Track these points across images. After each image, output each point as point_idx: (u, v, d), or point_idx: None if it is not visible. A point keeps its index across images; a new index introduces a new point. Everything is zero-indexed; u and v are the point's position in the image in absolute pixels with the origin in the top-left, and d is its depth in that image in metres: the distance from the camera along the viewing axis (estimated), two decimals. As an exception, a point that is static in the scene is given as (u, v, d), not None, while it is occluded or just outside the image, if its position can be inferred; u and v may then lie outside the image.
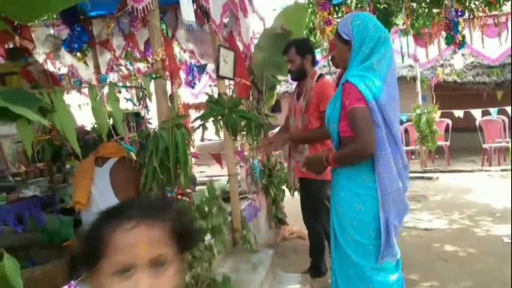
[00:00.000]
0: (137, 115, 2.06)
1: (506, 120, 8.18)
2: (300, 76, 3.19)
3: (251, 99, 4.22)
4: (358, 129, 1.92)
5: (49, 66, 4.98)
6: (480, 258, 3.63)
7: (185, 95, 8.42)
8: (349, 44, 2.00)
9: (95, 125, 3.42)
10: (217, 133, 2.98)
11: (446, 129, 8.66)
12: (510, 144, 7.68)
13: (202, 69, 4.46)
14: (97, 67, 4.70)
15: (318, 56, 6.87)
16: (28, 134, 1.44)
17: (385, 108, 1.94)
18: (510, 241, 3.87)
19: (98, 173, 2.27)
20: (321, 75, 3.20)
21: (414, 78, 8.92)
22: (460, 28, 5.63)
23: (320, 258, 3.35)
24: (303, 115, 3.14)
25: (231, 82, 3.37)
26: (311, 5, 5.39)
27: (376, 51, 1.95)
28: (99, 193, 2.23)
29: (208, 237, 2.23)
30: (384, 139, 1.95)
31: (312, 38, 6.63)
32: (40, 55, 4.68)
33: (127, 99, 2.02)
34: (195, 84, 4.67)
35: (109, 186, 2.21)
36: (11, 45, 3.83)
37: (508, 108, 8.13)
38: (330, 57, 3.62)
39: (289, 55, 3.17)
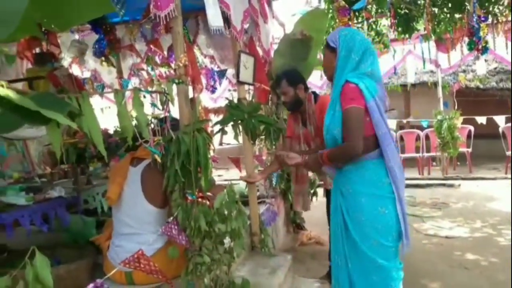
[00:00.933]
0: (162, 120, 2.12)
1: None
2: (296, 106, 3.16)
3: (270, 104, 4.25)
4: (350, 129, 1.99)
5: (74, 71, 5.12)
6: (502, 268, 3.55)
7: (204, 99, 8.52)
8: (335, 52, 2.11)
9: (118, 129, 3.51)
10: (236, 137, 3.02)
11: (468, 136, 8.52)
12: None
13: (222, 74, 4.52)
14: (119, 72, 4.81)
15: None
16: (57, 137, 1.50)
17: (380, 107, 2.04)
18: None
19: (131, 172, 2.34)
20: (315, 95, 3.18)
21: (435, 84, 8.80)
22: (482, 33, 5.55)
23: None
24: (315, 139, 3.14)
25: (251, 87, 3.41)
26: (331, 11, 5.40)
27: (365, 59, 2.06)
28: (129, 191, 2.29)
29: (227, 240, 2.25)
30: (387, 134, 2.06)
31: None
32: (65, 59, 4.82)
33: (152, 104, 2.07)
34: (215, 89, 4.74)
35: (139, 186, 2.27)
36: (38, 50, 3.96)
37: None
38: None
39: (281, 87, 3.14)
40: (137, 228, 2.25)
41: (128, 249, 2.10)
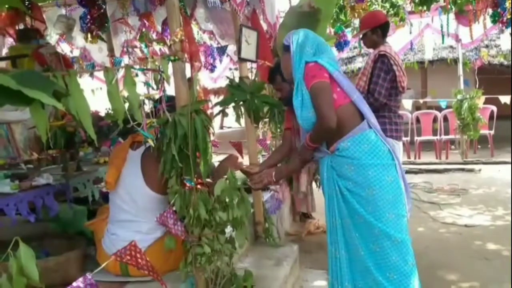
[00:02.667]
0: (157, 100, 2.10)
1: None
2: (291, 102, 3.13)
3: (275, 83, 4.21)
4: (318, 104, 2.11)
5: (62, 49, 5.09)
6: (526, 258, 3.56)
7: (204, 79, 8.48)
8: (289, 51, 2.26)
9: (110, 111, 3.49)
10: (237, 120, 3.00)
11: (491, 117, 8.46)
12: None
13: (222, 50, 4.48)
14: (111, 50, 4.77)
15: (349, 36, 6.81)
16: (42, 119, 1.48)
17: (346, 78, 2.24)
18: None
19: (131, 156, 2.36)
20: None
21: (455, 61, 8.74)
22: (508, 4, 5.45)
23: None
24: None
25: (254, 64, 3.37)
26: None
27: (320, 52, 2.23)
28: (128, 175, 2.31)
29: (229, 230, 2.26)
30: (360, 97, 2.24)
31: (342, 17, 6.57)
32: (52, 36, 4.78)
33: (145, 83, 2.05)
34: (215, 67, 4.71)
35: (139, 171, 2.29)
36: (21, 26, 3.93)
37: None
38: (361, 36, 3.57)
39: (276, 83, 3.02)
40: (135, 214, 2.26)
41: (124, 238, 2.12)
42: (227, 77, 3.07)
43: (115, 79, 1.77)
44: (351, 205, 2.16)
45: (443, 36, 7.71)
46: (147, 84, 1.97)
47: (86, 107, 1.68)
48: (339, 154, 2.19)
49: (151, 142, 1.95)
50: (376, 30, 3.43)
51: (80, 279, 1.48)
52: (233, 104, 2.92)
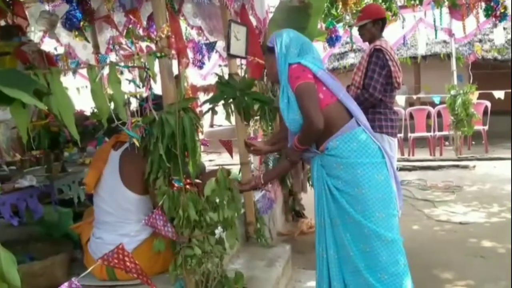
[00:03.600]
0: (143, 98, 2.09)
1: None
2: None
3: (265, 80, 4.20)
4: (304, 106, 2.12)
5: (45, 46, 5.04)
6: (522, 255, 3.59)
7: (193, 76, 8.44)
8: (274, 52, 2.28)
9: (95, 110, 3.46)
10: (227, 118, 2.99)
11: (485, 112, 8.52)
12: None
13: (211, 47, 4.46)
14: (96, 47, 4.73)
15: (340, 31, 6.81)
16: (23, 119, 1.46)
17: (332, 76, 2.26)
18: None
19: (112, 156, 2.35)
20: None
21: (448, 55, 8.76)
22: (501, -3, 5.50)
23: None
24: None
25: (243, 61, 3.36)
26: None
27: (304, 51, 2.25)
28: (109, 177, 2.30)
29: (219, 231, 2.25)
30: (347, 95, 2.25)
31: (333, 11, 6.57)
32: (35, 33, 4.73)
33: (130, 81, 2.03)
34: (203, 64, 4.68)
35: (117, 172, 2.27)
36: (2, 23, 3.88)
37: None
38: (358, 28, 3.56)
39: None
40: (118, 216, 2.25)
41: (109, 242, 2.10)
42: (216, 74, 3.06)
43: (99, 77, 1.75)
44: (341, 205, 2.16)
45: (436, 30, 7.75)
46: (132, 81, 1.95)
47: (69, 106, 1.66)
48: (328, 153, 2.19)
49: (136, 142, 1.93)
50: (377, 22, 3.43)
51: (66, 283, 1.47)
52: (222, 101, 2.91)
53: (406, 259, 2.19)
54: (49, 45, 5.31)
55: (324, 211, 2.25)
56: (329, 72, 2.29)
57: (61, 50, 5.73)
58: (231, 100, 2.91)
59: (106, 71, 2.21)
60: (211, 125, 11.49)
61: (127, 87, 2.11)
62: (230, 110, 2.95)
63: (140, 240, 2.24)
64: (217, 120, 11.02)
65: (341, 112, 2.20)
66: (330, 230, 2.23)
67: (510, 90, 8.27)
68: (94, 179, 2.30)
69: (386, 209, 2.14)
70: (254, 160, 4.36)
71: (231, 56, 3.10)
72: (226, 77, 3.01)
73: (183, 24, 4.80)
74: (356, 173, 2.13)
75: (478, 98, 8.13)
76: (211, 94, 3.43)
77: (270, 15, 4.22)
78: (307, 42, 2.33)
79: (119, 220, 2.25)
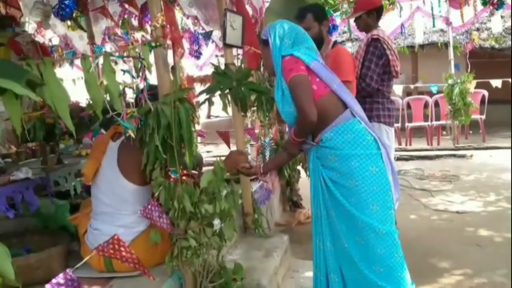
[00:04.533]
0: (138, 89, 2.06)
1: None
2: (318, 44, 3.14)
3: (262, 69, 4.18)
4: (297, 99, 2.11)
5: (40, 37, 4.99)
6: (519, 244, 3.60)
7: (189, 67, 8.39)
8: (269, 44, 2.26)
9: (91, 101, 3.44)
10: (224, 108, 2.97)
11: (482, 101, 8.51)
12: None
13: (207, 36, 4.42)
14: (91, 37, 4.69)
15: (338, 20, 6.77)
16: (16, 110, 1.44)
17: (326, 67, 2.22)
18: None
19: (110, 147, 2.33)
20: (335, 42, 3.15)
21: (446, 44, 8.73)
22: (499, -15, 5.47)
23: None
24: None
25: (240, 51, 3.33)
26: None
27: (298, 41, 2.23)
28: (107, 167, 2.28)
29: (216, 222, 2.24)
30: (341, 86, 2.20)
31: (330, 0, 6.52)
32: (29, 23, 4.68)
33: (124, 71, 2.00)
34: (200, 54, 4.65)
35: (115, 163, 2.25)
36: (-4, 14, 3.84)
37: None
38: (354, 19, 3.54)
39: (306, 22, 3.12)
40: (116, 208, 2.23)
41: (106, 233, 2.09)
42: (212, 64, 3.03)
43: (93, 67, 1.72)
44: (335, 197, 2.15)
45: (433, 19, 7.71)
46: (126, 72, 1.93)
47: (63, 97, 1.64)
48: (323, 145, 2.18)
49: (131, 133, 1.91)
50: (372, 13, 3.41)
51: (61, 275, 1.46)
52: (219, 92, 2.89)
53: (401, 251, 2.17)
54: (47, 36, 5.28)
55: (320, 202, 2.24)
56: (323, 62, 2.26)
57: (56, 41, 5.68)
58: (227, 90, 2.89)
59: (101, 61, 2.19)
60: (208, 116, 11.44)
61: (122, 77, 2.09)
62: (227, 101, 2.93)
63: (137, 232, 2.24)
64: (214, 111, 10.98)
65: (335, 103, 2.17)
66: (326, 221, 2.22)
67: (507, 79, 8.25)
68: (92, 170, 2.29)
69: (380, 201, 2.11)
70: (251, 151, 4.36)
71: (227, 46, 3.07)
72: (223, 67, 2.99)
73: (178, 14, 4.76)
74: (350, 164, 2.11)
75: (476, 87, 8.12)
76: (208, 85, 3.40)
77: (266, 4, 4.19)
78: (300, 31, 2.31)
79: (116, 211, 2.24)
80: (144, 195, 2.27)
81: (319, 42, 3.12)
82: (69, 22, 4.03)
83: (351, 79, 3.07)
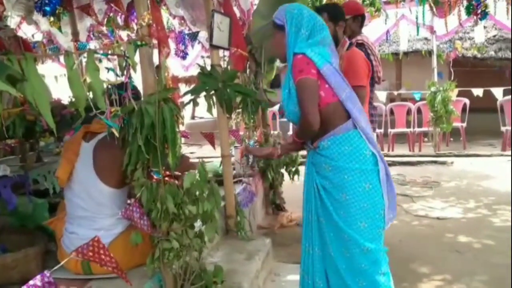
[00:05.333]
0: (120, 87, 2.03)
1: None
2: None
3: (248, 72, 4.17)
4: (301, 102, 2.07)
5: (22, 32, 4.90)
6: (498, 250, 3.65)
7: (175, 67, 8.35)
8: (283, 30, 2.17)
9: (73, 99, 3.38)
10: (209, 110, 2.95)
11: (463, 109, 8.64)
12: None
13: (193, 37, 4.39)
14: (75, 34, 4.62)
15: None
16: (-5, 106, 1.40)
17: (338, 70, 2.15)
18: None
19: (84, 148, 2.26)
20: (351, 44, 3.14)
21: (430, 52, 8.85)
22: (482, -4, 5.56)
23: None
24: None
25: (226, 52, 3.32)
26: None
27: (315, 33, 2.13)
28: (82, 169, 2.22)
29: (198, 224, 2.22)
30: (351, 94, 2.14)
31: (317, 4, 6.55)
32: (12, 18, 4.59)
33: (108, 69, 1.97)
34: (186, 54, 4.62)
35: (91, 164, 2.20)
36: (-23, 8, 3.75)
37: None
38: None
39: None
40: (92, 211, 2.18)
41: (83, 236, 2.04)
42: (198, 65, 3.01)
43: (76, 64, 1.69)
44: (326, 205, 2.13)
45: (418, 27, 7.81)
46: (111, 70, 1.90)
47: (44, 94, 1.61)
48: (319, 152, 2.15)
49: (115, 132, 1.88)
50: (357, 18, 3.42)
51: (38, 276, 1.42)
52: (204, 93, 2.87)
53: (387, 268, 2.15)
54: (27, 32, 5.18)
55: (312, 207, 2.21)
56: (336, 65, 2.17)
57: (38, 37, 5.58)
58: (213, 91, 2.87)
59: (85, 58, 2.15)
60: (193, 117, 11.38)
61: (107, 76, 2.06)
62: (212, 102, 2.91)
63: (115, 234, 2.19)
64: (199, 112, 10.93)
65: (340, 113, 2.11)
66: (316, 226, 2.20)
67: (488, 88, 8.40)
68: (66, 173, 2.22)
69: (369, 219, 2.08)
70: (236, 153, 4.34)
71: (213, 47, 3.05)
72: (209, 68, 2.97)
73: (165, 14, 4.72)
74: (343, 177, 2.08)
75: (457, 95, 8.24)
76: (193, 86, 3.38)
77: (254, 7, 4.18)
78: (318, 21, 2.17)
79: (93, 215, 2.19)
80: (120, 197, 2.24)
81: (334, 42, 3.13)
82: (51, 18, 3.95)
83: (365, 84, 3.04)
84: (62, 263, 1.63)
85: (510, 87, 8.27)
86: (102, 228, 2.09)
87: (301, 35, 2.12)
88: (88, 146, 2.25)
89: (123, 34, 5.31)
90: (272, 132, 4.97)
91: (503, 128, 8.13)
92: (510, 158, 7.35)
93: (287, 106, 2.17)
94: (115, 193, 2.21)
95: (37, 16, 4.37)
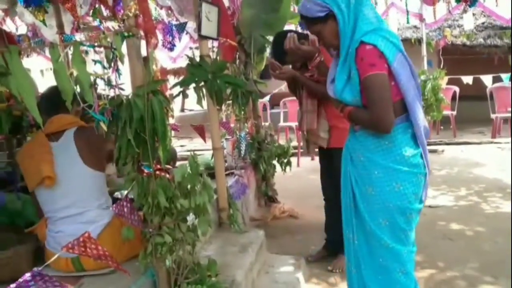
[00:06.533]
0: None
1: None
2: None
3: (237, 62, 4.14)
4: (375, 102, 1.87)
5: (5, 26, 4.81)
6: (489, 237, 3.69)
7: (163, 59, 8.28)
8: (328, 19, 1.96)
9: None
10: (199, 102, 2.92)
11: (453, 97, 8.69)
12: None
13: (181, 27, 4.35)
14: (60, 26, 4.54)
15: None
16: (-22, 101, 1.37)
17: (409, 61, 1.95)
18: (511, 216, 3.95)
19: (57, 148, 2.23)
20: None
21: (419, 41, 8.86)
22: (471, -17, 5.57)
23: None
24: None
25: (215, 43, 3.29)
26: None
27: (380, 19, 1.96)
28: (66, 168, 2.19)
29: (191, 217, 2.20)
30: (415, 98, 1.95)
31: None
32: (-6, 11, 4.50)
33: (95, 61, 1.93)
34: (174, 45, 4.57)
35: (77, 158, 2.19)
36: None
37: (521, 74, 8.16)
38: None
39: (287, 61, 3.12)
40: (78, 206, 2.18)
41: (70, 233, 2.02)
42: (187, 56, 2.98)
43: (62, 57, 1.66)
44: (355, 193, 2.06)
45: (408, 15, 7.81)
46: (98, 62, 1.86)
47: (30, 87, 1.58)
48: (358, 138, 2.05)
49: (103, 126, 1.85)
50: None
51: (28, 274, 1.40)
52: (193, 84, 2.84)
53: (412, 269, 2.07)
54: (14, 25, 5.10)
55: (350, 191, 2.09)
56: (405, 54, 1.95)
57: (23, 29, 5.50)
58: (202, 83, 2.84)
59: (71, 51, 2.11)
60: (182, 109, 11.32)
61: (94, 68, 2.02)
62: (201, 94, 2.88)
63: (103, 225, 2.20)
64: (188, 104, 10.87)
65: (397, 110, 1.93)
66: (354, 213, 2.11)
67: (478, 76, 8.45)
68: (53, 171, 2.16)
69: (392, 219, 1.98)
70: (227, 145, 4.32)
71: (202, 37, 3.02)
72: (197, 59, 2.94)
73: (152, 4, 4.66)
74: (372, 172, 1.98)
75: (447, 83, 8.27)
76: (182, 77, 3.34)
77: (243, -3, 4.14)
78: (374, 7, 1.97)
79: (78, 210, 2.18)
80: (104, 181, 2.30)
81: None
82: (36, 11, 3.88)
83: None
84: (52, 259, 1.61)
85: (499, 74, 8.34)
86: (89, 221, 2.09)
87: (366, 17, 1.90)
88: (62, 144, 2.24)
89: (113, 25, 5.23)
90: (263, 123, 4.96)
91: (492, 115, 8.19)
92: (500, 145, 7.44)
93: (341, 93, 1.97)
94: (101, 176, 2.26)
95: (20, 9, 4.29)
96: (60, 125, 2.25)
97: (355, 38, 1.89)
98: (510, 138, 7.71)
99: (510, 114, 8.10)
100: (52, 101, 2.21)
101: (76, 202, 2.18)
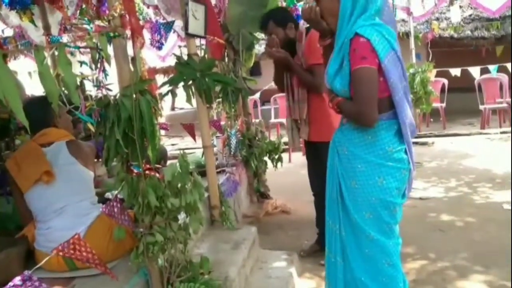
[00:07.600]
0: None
1: (506, 78, 8.26)
2: (291, 47, 3.16)
3: (226, 60, 4.13)
4: (361, 95, 1.88)
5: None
6: (479, 227, 3.73)
7: (151, 59, 8.24)
8: None
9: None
10: (188, 100, 2.92)
11: (442, 90, 8.74)
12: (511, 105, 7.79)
13: (169, 27, 4.33)
14: (47, 28, 4.51)
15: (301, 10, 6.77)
16: (-37, 105, 1.36)
17: (400, 59, 1.96)
18: (510, 208, 3.99)
19: (50, 151, 2.27)
20: (309, 29, 3.14)
21: (407, 34, 8.90)
22: (457, -25, 5.60)
23: None
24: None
25: (203, 41, 3.28)
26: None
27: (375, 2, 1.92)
28: (59, 166, 2.24)
29: (182, 216, 2.20)
30: (403, 98, 1.95)
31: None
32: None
33: (81, 63, 1.93)
34: (162, 44, 4.55)
35: (70, 158, 2.26)
36: None
37: (508, 65, 8.21)
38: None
39: (269, 30, 3.19)
40: (71, 199, 2.23)
41: (62, 227, 2.05)
42: (175, 55, 2.97)
43: (47, 58, 1.65)
44: (341, 186, 2.07)
45: (395, 9, 7.83)
46: (84, 63, 1.86)
47: (15, 90, 1.56)
48: (343, 131, 2.07)
49: (91, 127, 1.85)
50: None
51: (19, 277, 1.40)
52: (182, 83, 2.83)
53: (398, 261, 2.08)
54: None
55: (335, 184, 2.10)
56: (399, 52, 1.96)
57: (9, 32, 5.44)
58: (191, 81, 2.84)
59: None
60: (172, 108, 11.28)
61: (80, 69, 2.01)
62: (190, 92, 2.87)
63: (94, 217, 2.23)
64: (178, 103, 10.84)
65: (383, 103, 1.93)
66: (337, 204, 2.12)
67: (466, 68, 8.50)
68: (50, 167, 2.21)
69: (375, 213, 2.00)
70: (217, 143, 4.32)
71: (189, 36, 3.01)
72: (185, 57, 2.93)
73: (139, 3, 4.64)
74: (355, 166, 1.99)
75: (436, 76, 8.32)
76: (170, 76, 3.33)
77: (230, -7, 4.13)
78: None
79: (71, 203, 2.23)
80: (92, 182, 2.37)
81: (291, 44, 3.18)
82: (22, 12, 3.85)
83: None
84: (44, 260, 1.61)
85: (486, 66, 8.39)
86: (78, 214, 2.12)
87: (359, 2, 1.90)
88: (55, 147, 2.29)
89: (102, 24, 5.20)
90: (254, 120, 4.96)
91: (481, 107, 8.26)
92: (489, 136, 7.50)
93: (333, 82, 1.99)
94: (91, 175, 2.34)
95: (5, 11, 4.25)
96: (51, 138, 2.31)
97: (350, 28, 1.90)
98: (498, 129, 7.79)
99: (498, 105, 8.18)
100: (39, 118, 2.28)
101: (70, 195, 2.22)
